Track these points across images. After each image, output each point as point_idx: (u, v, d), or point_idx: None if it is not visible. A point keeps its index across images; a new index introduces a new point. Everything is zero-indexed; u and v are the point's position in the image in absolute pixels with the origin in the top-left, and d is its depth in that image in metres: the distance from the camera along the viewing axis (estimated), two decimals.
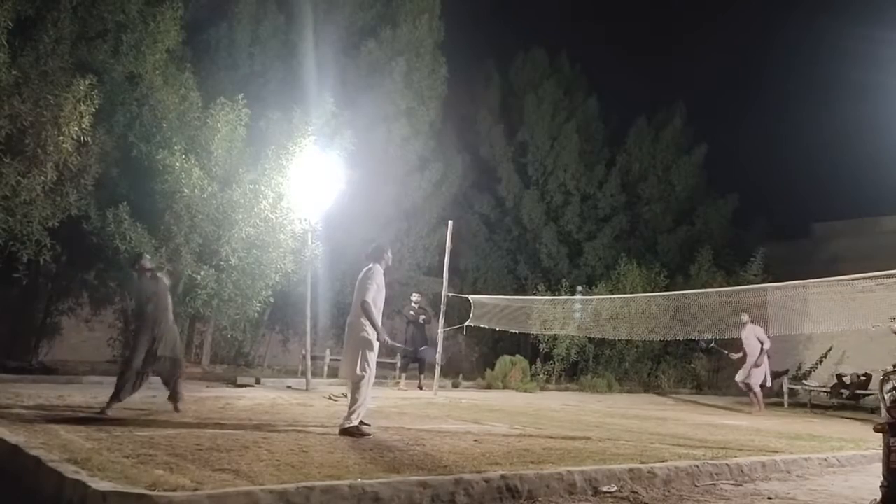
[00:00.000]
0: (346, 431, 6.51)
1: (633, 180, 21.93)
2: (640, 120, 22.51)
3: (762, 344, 12.78)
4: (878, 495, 4.76)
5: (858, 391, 14.78)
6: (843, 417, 13.00)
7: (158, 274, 7.71)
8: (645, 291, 16.13)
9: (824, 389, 15.69)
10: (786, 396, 15.73)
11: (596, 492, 4.92)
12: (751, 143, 27.54)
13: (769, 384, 13.37)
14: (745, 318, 12.82)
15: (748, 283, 15.29)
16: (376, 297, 6.73)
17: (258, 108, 13.24)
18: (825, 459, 6.72)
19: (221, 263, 12.45)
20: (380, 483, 4.20)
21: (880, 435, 4.53)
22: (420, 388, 13.73)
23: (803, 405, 15.29)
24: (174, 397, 7.60)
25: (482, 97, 22.36)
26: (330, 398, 10.47)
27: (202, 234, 12.37)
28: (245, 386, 12.25)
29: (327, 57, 15.37)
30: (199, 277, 12.11)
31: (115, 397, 7.15)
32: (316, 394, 11.28)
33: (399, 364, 15.41)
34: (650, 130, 22.41)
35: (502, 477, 4.63)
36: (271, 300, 13.18)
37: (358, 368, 6.60)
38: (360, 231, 15.14)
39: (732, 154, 23.06)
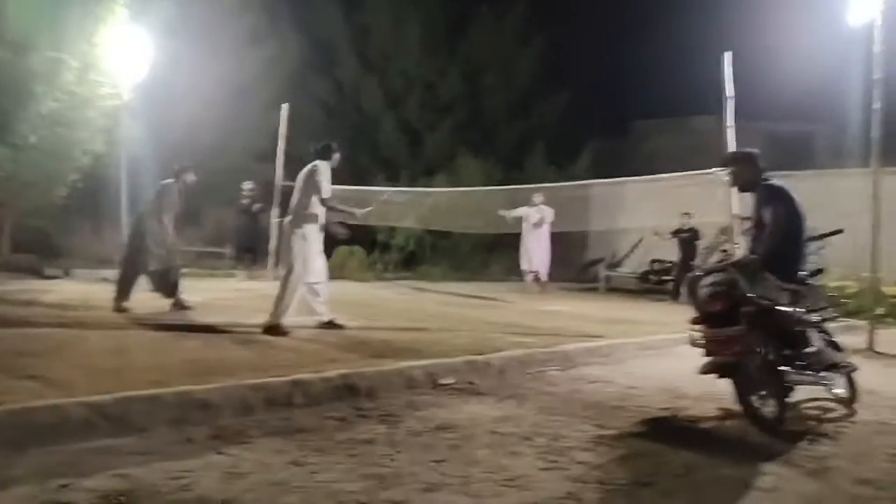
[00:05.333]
0: (269, 330, 6.36)
1: (473, 70, 21.71)
2: (482, 7, 22.12)
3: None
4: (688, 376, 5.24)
5: (664, 277, 16.38)
6: (650, 301, 14.30)
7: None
8: (482, 184, 16.39)
9: (635, 276, 17.22)
10: (602, 282, 17.15)
11: (435, 385, 5.00)
12: (584, 38, 28.11)
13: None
14: (538, 198, 12.83)
15: (576, 178, 15.98)
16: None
17: None
18: (640, 343, 7.32)
19: (18, 142, 11.00)
20: (209, 388, 3.93)
21: (684, 319, 4.90)
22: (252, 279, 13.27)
23: (617, 290, 16.73)
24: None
25: None
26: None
27: None
28: (53, 278, 11.18)
29: None
30: None
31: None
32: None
33: (232, 255, 14.77)
34: (492, 19, 22.14)
35: (342, 376, 4.54)
36: (80, 185, 11.97)
37: (287, 264, 6.78)
38: (183, 111, 13.88)
39: (567, 49, 23.33)
